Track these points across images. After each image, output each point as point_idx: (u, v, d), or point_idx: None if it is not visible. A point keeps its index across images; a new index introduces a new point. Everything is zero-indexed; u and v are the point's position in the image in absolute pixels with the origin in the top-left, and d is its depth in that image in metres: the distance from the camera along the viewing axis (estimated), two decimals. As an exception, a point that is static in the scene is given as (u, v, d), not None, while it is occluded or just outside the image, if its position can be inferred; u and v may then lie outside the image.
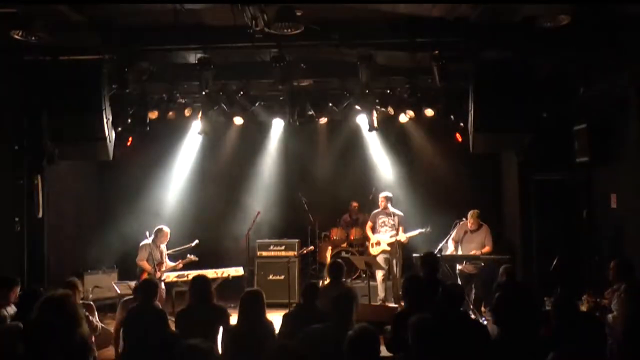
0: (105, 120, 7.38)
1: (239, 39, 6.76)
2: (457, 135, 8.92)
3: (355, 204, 10.68)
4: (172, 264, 8.42)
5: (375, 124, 9.24)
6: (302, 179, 10.79)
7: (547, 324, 4.41)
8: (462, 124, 8.53)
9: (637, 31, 6.21)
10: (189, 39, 6.95)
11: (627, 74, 6.62)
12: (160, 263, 8.24)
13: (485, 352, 4.14)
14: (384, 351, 4.67)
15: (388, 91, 8.92)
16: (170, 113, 9.01)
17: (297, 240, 9.72)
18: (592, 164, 7.36)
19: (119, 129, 8.33)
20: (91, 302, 6.25)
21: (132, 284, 8.02)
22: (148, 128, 8.77)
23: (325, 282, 6.12)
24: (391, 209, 9.13)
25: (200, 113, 9.05)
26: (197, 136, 9.84)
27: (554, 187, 8.15)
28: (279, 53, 6.97)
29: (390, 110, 9.09)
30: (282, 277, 9.23)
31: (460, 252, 8.34)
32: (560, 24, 5.84)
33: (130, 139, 8.92)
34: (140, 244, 8.20)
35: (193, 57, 7.34)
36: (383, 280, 9.10)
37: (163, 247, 8.36)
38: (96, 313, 6.08)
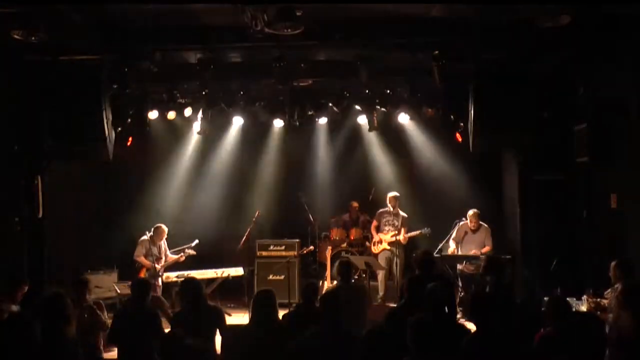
0: (105, 120, 7.39)
1: (239, 39, 6.75)
2: (457, 135, 8.91)
3: (355, 203, 10.68)
4: (174, 257, 8.47)
5: (375, 124, 9.24)
6: (302, 179, 10.78)
7: (544, 325, 4.41)
8: (462, 124, 8.52)
9: (637, 31, 6.20)
10: (189, 39, 6.95)
11: (627, 74, 6.61)
12: (158, 259, 8.28)
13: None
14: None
15: (388, 91, 8.91)
16: (170, 113, 9.00)
17: (297, 240, 9.72)
18: (592, 164, 7.35)
19: (119, 129, 8.32)
20: (101, 301, 6.28)
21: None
22: (148, 128, 8.77)
23: (337, 283, 6.08)
24: (397, 209, 9.15)
25: (200, 113, 9.05)
26: (197, 136, 9.83)
27: (554, 187, 8.14)
28: (279, 53, 6.97)
29: (390, 110, 9.09)
30: (282, 277, 9.22)
31: (460, 252, 8.34)
32: (560, 24, 5.84)
33: (130, 139, 8.91)
34: (139, 240, 8.25)
35: (193, 57, 7.34)
36: (384, 279, 9.11)
37: (162, 243, 8.41)
38: (105, 311, 6.12)
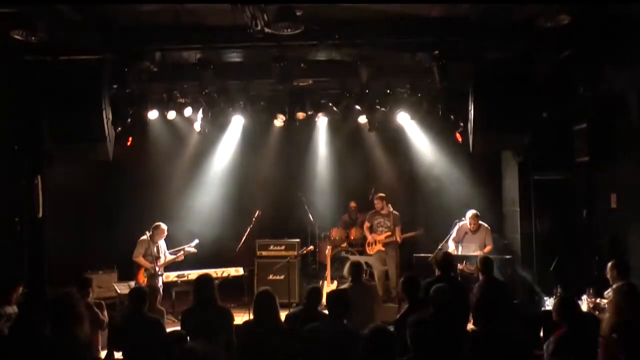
0: (105, 120, 7.38)
1: (239, 39, 6.76)
2: (457, 135, 8.91)
3: (353, 204, 10.68)
4: (172, 255, 8.47)
5: (375, 124, 9.23)
6: (302, 179, 10.78)
7: (547, 324, 4.42)
8: (462, 124, 8.52)
9: (637, 31, 6.21)
10: (189, 39, 6.95)
11: (627, 74, 6.61)
12: (157, 258, 8.28)
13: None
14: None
15: (388, 91, 8.91)
16: (170, 113, 9.00)
17: (297, 240, 9.72)
18: (592, 164, 7.36)
19: (119, 128, 8.32)
20: (101, 301, 6.29)
21: (132, 283, 8.05)
22: (148, 128, 8.77)
23: (348, 284, 6.08)
24: (387, 209, 9.15)
25: (200, 113, 9.05)
26: (197, 136, 9.83)
27: (554, 187, 8.15)
28: (279, 53, 6.97)
29: (390, 110, 9.08)
30: (282, 277, 9.22)
31: (460, 252, 8.34)
32: (560, 24, 5.84)
33: (130, 138, 8.90)
34: (138, 240, 8.23)
35: (193, 57, 7.34)
36: (380, 279, 9.13)
37: (161, 243, 8.39)
38: (105, 310, 6.13)
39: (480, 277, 6.37)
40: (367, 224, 9.48)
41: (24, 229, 7.57)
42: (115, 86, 7.46)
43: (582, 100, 7.58)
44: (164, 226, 8.42)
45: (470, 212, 8.34)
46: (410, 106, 9.00)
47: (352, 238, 10.36)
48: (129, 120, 8.53)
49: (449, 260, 6.20)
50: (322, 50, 7.22)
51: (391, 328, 5.09)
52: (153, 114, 8.87)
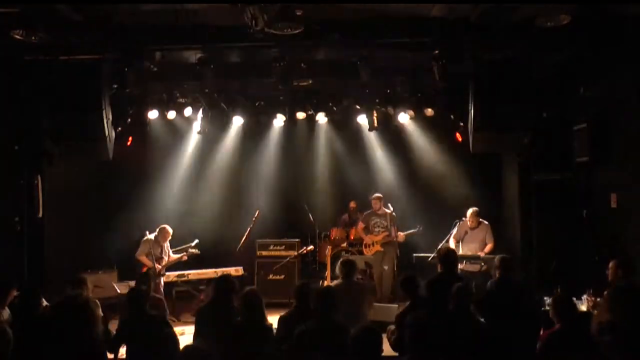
0: (105, 120, 7.39)
1: (239, 39, 6.76)
2: (457, 135, 8.91)
3: (353, 204, 10.68)
4: (176, 256, 8.47)
5: (375, 124, 9.23)
6: (302, 178, 10.79)
7: (547, 324, 4.42)
8: (462, 124, 8.53)
9: (637, 31, 6.20)
10: (189, 39, 6.95)
11: (627, 74, 6.61)
12: (160, 259, 8.28)
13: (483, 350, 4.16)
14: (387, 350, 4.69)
15: (388, 91, 8.92)
16: (170, 113, 9.01)
17: (297, 240, 9.72)
18: (592, 164, 7.35)
19: (119, 128, 8.33)
20: (96, 300, 6.27)
21: (133, 283, 8.05)
22: (148, 128, 8.78)
23: (338, 281, 6.08)
24: (383, 209, 9.16)
25: (200, 113, 9.05)
26: (197, 136, 9.84)
27: (554, 187, 8.14)
28: (279, 53, 6.97)
29: (390, 110, 9.08)
30: (282, 277, 9.22)
31: (461, 252, 8.33)
32: (560, 24, 5.84)
33: (130, 138, 8.91)
34: (142, 239, 8.23)
35: (193, 57, 7.34)
36: (379, 279, 9.12)
37: (165, 244, 8.40)
38: (100, 308, 6.11)
39: (497, 275, 6.31)
40: (361, 225, 9.45)
41: (24, 229, 7.57)
42: (115, 86, 7.47)
43: (582, 100, 7.57)
44: (169, 229, 8.42)
45: (471, 209, 8.34)
46: (410, 106, 9.01)
47: (352, 238, 10.35)
48: (129, 119, 8.54)
49: (452, 257, 6.18)
50: (322, 50, 7.22)
51: (392, 327, 5.13)
52: (153, 114, 8.87)
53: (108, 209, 10.07)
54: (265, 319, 4.81)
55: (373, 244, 9.25)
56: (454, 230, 8.37)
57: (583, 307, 6.06)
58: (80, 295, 4.00)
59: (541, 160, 8.14)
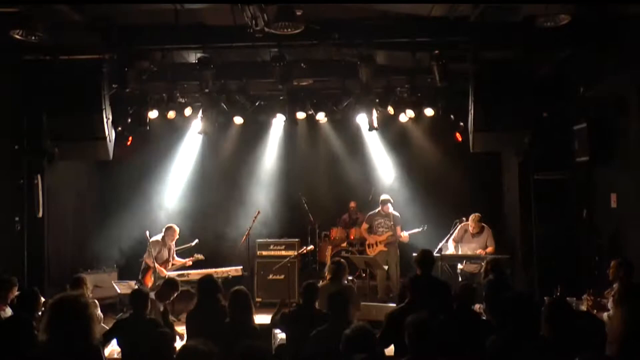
0: (105, 120, 7.39)
1: (239, 39, 6.76)
2: (457, 134, 8.92)
3: (353, 204, 10.69)
4: (181, 260, 8.47)
5: (375, 124, 9.23)
6: (302, 178, 10.78)
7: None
8: (462, 124, 8.54)
9: (637, 31, 6.20)
10: (189, 39, 6.95)
11: (627, 74, 6.61)
12: (167, 261, 8.27)
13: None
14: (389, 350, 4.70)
15: (388, 91, 8.92)
16: (170, 113, 9.01)
17: (297, 240, 9.71)
18: (592, 164, 7.36)
19: (119, 128, 8.34)
20: (95, 300, 6.29)
21: (133, 283, 8.05)
22: (148, 128, 8.78)
23: (325, 281, 6.10)
24: (389, 210, 9.16)
25: (200, 113, 9.05)
26: (197, 136, 9.84)
27: (554, 186, 8.15)
28: (279, 53, 6.97)
29: (390, 110, 9.08)
30: (282, 276, 9.22)
31: (460, 252, 8.34)
32: (560, 24, 5.84)
33: (130, 138, 8.92)
34: (150, 241, 8.22)
35: (193, 57, 7.34)
36: (382, 280, 9.12)
37: (172, 245, 8.40)
38: (98, 308, 6.14)
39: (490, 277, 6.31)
40: (365, 226, 9.47)
41: (24, 228, 7.58)
42: (115, 86, 7.47)
43: (582, 100, 7.58)
44: (175, 227, 8.44)
45: (473, 215, 8.34)
46: (410, 106, 9.01)
47: (352, 238, 10.36)
48: (129, 119, 8.54)
49: (428, 258, 6.15)
50: (322, 50, 7.22)
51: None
52: (153, 114, 8.87)
53: (108, 209, 10.08)
54: (252, 320, 4.80)
55: (376, 244, 9.25)
56: (454, 231, 8.38)
57: (583, 307, 6.06)
58: (79, 294, 3.97)
59: (541, 160, 8.15)
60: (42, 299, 5.34)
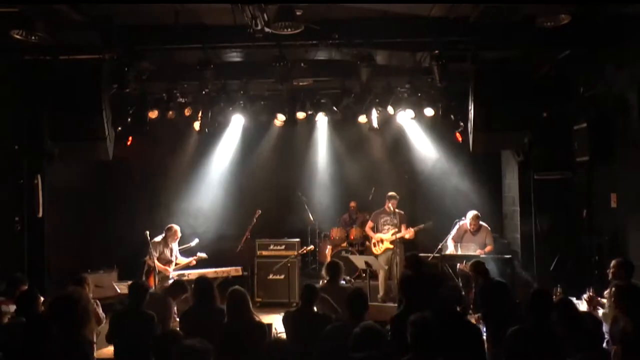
0: (105, 120, 7.39)
1: (239, 39, 6.76)
2: (457, 135, 8.92)
3: (353, 204, 10.69)
4: (184, 260, 8.45)
5: (375, 124, 9.23)
6: (302, 178, 10.79)
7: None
8: (462, 124, 8.53)
9: (637, 31, 6.21)
10: (189, 39, 6.95)
11: (627, 74, 6.61)
12: (170, 261, 8.26)
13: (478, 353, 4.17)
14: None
15: (388, 91, 8.92)
16: (170, 112, 9.00)
17: (297, 240, 9.71)
18: (592, 164, 7.36)
19: (119, 128, 8.33)
20: (96, 300, 6.28)
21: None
22: (148, 128, 8.77)
23: (324, 282, 6.11)
24: (394, 208, 9.16)
25: (200, 112, 9.05)
26: (197, 136, 9.83)
27: (554, 186, 8.15)
28: (279, 53, 6.97)
29: (390, 110, 9.09)
30: (282, 276, 9.22)
31: (460, 252, 8.34)
32: (560, 24, 5.84)
33: (130, 138, 8.91)
34: (151, 242, 8.21)
35: (193, 57, 7.34)
36: (384, 279, 9.11)
37: (174, 245, 8.38)
38: (100, 307, 6.14)
39: (479, 280, 6.34)
40: (370, 224, 9.46)
41: (24, 229, 7.58)
42: (115, 86, 7.46)
43: (582, 100, 7.58)
44: (176, 227, 8.39)
45: (471, 213, 8.34)
46: (410, 106, 9.01)
47: (352, 238, 10.36)
48: (129, 119, 8.54)
49: (416, 260, 6.17)
50: (322, 50, 7.22)
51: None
52: (153, 114, 8.86)
53: (108, 209, 10.08)
54: (253, 316, 4.81)
55: (382, 242, 9.24)
56: (454, 231, 8.38)
57: (583, 307, 6.06)
58: (72, 291, 3.98)
59: (541, 160, 8.15)
60: (42, 299, 5.36)
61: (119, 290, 8.17)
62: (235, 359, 4.31)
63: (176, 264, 8.45)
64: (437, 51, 6.99)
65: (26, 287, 5.53)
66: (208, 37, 6.89)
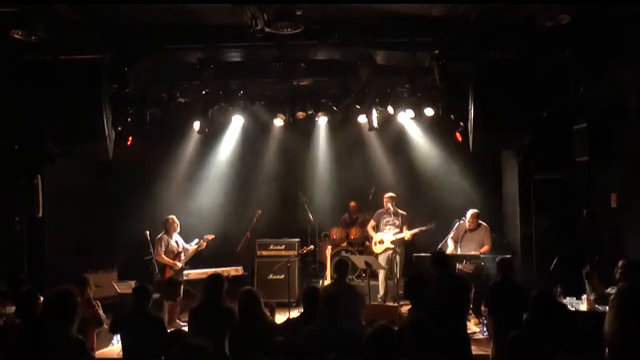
0: (105, 120, 7.39)
1: (239, 39, 6.76)
2: (457, 134, 8.92)
3: (353, 203, 10.69)
4: (192, 247, 8.43)
5: (375, 124, 9.23)
6: (302, 178, 10.79)
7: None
8: (462, 124, 8.53)
9: (637, 31, 6.21)
10: (189, 39, 6.95)
11: (627, 74, 6.61)
12: (179, 253, 8.26)
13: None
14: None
15: (388, 91, 8.92)
16: (170, 112, 8.99)
17: (297, 240, 9.72)
18: (592, 164, 7.36)
19: (119, 128, 8.32)
20: (97, 301, 6.29)
21: (133, 283, 8.04)
22: (148, 127, 8.77)
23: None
24: (395, 208, 9.15)
25: (200, 112, 9.05)
26: (197, 136, 9.83)
27: (554, 186, 8.15)
28: (279, 53, 6.97)
29: (390, 110, 9.09)
30: (282, 276, 9.22)
31: (459, 252, 8.34)
32: (560, 24, 5.84)
33: (130, 138, 8.91)
34: (156, 239, 8.21)
35: (193, 57, 7.34)
36: (385, 279, 9.11)
37: (176, 236, 8.38)
38: (101, 308, 6.15)
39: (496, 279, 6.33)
40: (372, 223, 9.44)
41: (24, 229, 7.57)
42: (115, 86, 7.46)
43: (582, 100, 7.57)
44: (174, 217, 8.41)
45: (471, 211, 8.34)
46: (410, 106, 9.01)
47: (352, 238, 10.36)
48: (129, 119, 8.54)
49: (443, 258, 6.18)
50: (322, 50, 7.22)
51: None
52: (153, 114, 8.85)
53: (108, 209, 10.07)
54: (265, 317, 4.81)
55: (383, 242, 9.23)
56: (453, 230, 8.38)
57: (583, 307, 6.07)
58: (66, 291, 3.98)
59: (541, 160, 8.14)
60: (42, 299, 5.36)
61: (119, 290, 8.18)
62: (247, 357, 4.33)
63: (185, 253, 8.42)
64: (437, 51, 6.99)
65: (27, 288, 5.52)
66: (208, 37, 6.89)
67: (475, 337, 7.46)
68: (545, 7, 5.73)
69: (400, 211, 9.15)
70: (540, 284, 7.81)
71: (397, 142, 10.50)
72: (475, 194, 9.60)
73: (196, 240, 8.58)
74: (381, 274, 9.12)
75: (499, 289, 5.84)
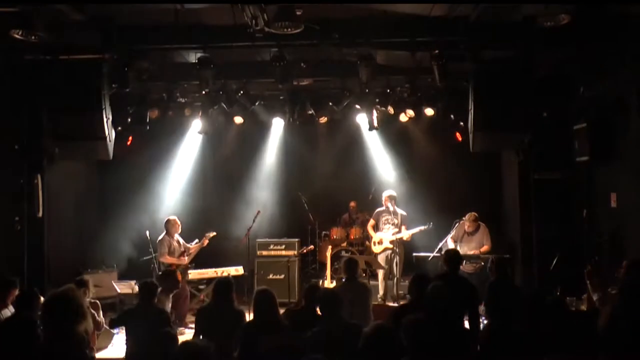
0: (105, 120, 7.40)
1: (239, 39, 6.76)
2: (457, 134, 8.92)
3: (353, 203, 10.68)
4: (195, 245, 8.45)
5: (375, 124, 9.23)
6: (302, 178, 10.79)
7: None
8: (462, 124, 8.54)
9: (637, 31, 6.21)
10: (189, 39, 6.96)
11: (627, 74, 6.61)
12: (182, 252, 8.27)
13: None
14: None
15: (388, 91, 8.92)
16: (170, 112, 9.01)
17: (297, 240, 9.72)
18: (592, 163, 7.36)
19: (119, 128, 8.33)
20: (97, 301, 6.30)
21: (133, 283, 8.05)
22: (148, 127, 8.78)
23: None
24: (395, 207, 9.15)
25: (200, 112, 9.06)
26: (197, 135, 9.84)
27: (554, 186, 8.15)
28: (279, 52, 6.98)
29: (390, 110, 9.08)
30: (282, 276, 9.23)
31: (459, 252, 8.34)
32: (560, 23, 5.84)
33: (130, 138, 8.92)
34: (157, 240, 8.22)
35: (193, 57, 7.34)
36: (384, 279, 9.11)
37: (177, 236, 8.39)
38: (101, 311, 6.15)
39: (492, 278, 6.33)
40: (372, 222, 9.42)
41: (24, 228, 7.57)
42: (115, 85, 7.47)
43: (582, 100, 7.57)
44: (175, 218, 8.42)
45: (469, 214, 8.34)
46: (410, 106, 9.01)
47: (352, 238, 10.35)
48: (129, 119, 8.54)
49: (458, 258, 6.19)
50: (322, 50, 7.22)
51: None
52: (153, 113, 8.86)
53: (108, 209, 10.08)
54: (278, 316, 4.82)
55: (382, 242, 9.22)
56: (453, 230, 8.38)
57: (583, 307, 6.07)
58: (70, 290, 3.97)
59: (541, 160, 8.14)
60: (42, 299, 5.35)
61: (119, 290, 8.18)
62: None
63: (188, 252, 8.44)
64: (437, 51, 6.99)
65: (17, 291, 5.45)
66: (208, 37, 6.89)
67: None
68: (545, 7, 5.73)
69: (399, 211, 9.14)
70: (538, 284, 7.85)
71: (397, 142, 10.50)
72: (475, 194, 9.60)
73: (196, 240, 8.59)
74: (381, 274, 9.12)
75: (495, 289, 5.83)
